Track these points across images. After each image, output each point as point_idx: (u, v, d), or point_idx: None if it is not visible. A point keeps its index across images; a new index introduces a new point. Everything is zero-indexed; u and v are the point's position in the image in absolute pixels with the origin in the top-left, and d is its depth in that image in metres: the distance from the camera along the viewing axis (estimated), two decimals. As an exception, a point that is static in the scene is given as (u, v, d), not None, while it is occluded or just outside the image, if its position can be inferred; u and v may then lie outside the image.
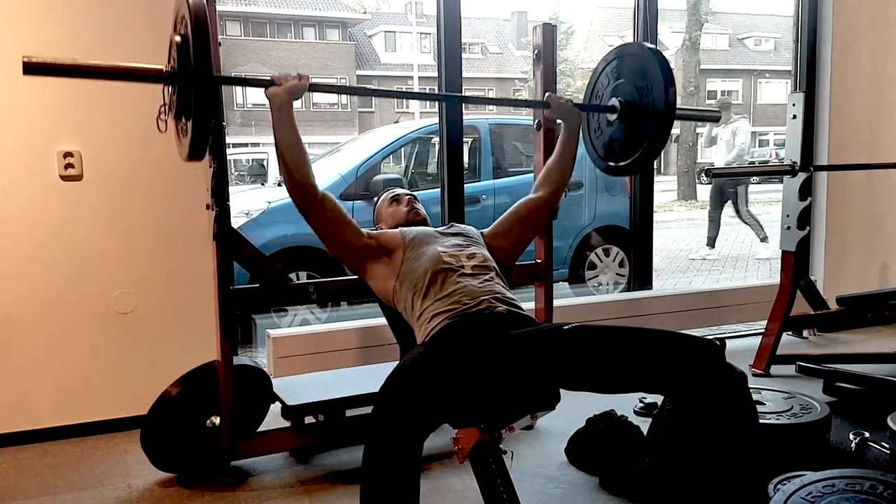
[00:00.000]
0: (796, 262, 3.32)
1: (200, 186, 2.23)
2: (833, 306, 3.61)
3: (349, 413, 2.51)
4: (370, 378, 2.44)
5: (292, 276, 4.19)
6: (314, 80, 2.00)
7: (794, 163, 3.18)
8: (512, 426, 1.76)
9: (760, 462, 2.09)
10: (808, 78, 4.01)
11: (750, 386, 1.66)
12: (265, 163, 9.47)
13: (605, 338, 1.72)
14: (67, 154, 2.59)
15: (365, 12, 24.53)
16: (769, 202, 13.81)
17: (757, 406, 1.72)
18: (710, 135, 7.60)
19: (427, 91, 6.59)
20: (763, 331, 3.39)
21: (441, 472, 2.35)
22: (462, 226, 2.29)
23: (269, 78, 1.96)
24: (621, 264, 5.37)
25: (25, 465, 2.49)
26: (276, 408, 2.51)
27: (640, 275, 4.06)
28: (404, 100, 22.72)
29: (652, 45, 2.34)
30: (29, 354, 2.64)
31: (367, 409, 1.76)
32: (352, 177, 4.82)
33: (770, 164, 8.96)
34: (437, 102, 3.39)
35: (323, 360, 2.96)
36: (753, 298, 3.90)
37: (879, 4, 4.01)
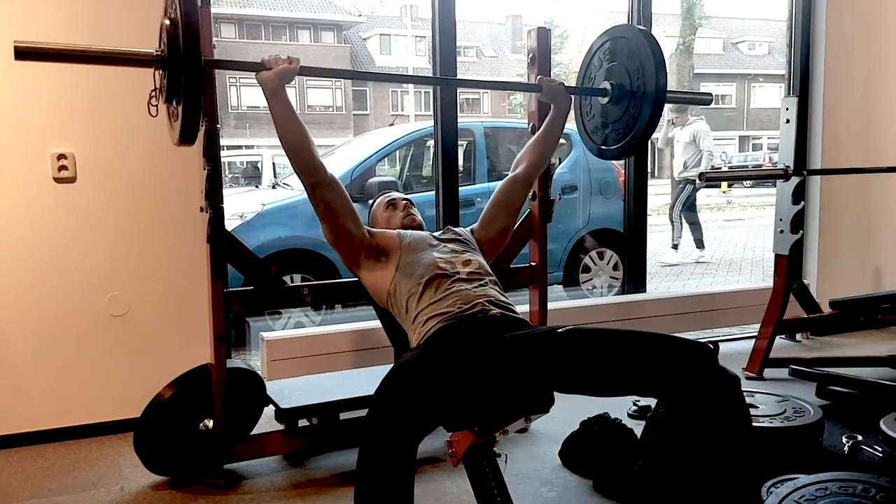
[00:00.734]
0: (789, 266, 3.34)
1: (194, 189, 2.23)
2: (826, 310, 3.62)
3: (343, 416, 2.51)
4: (364, 381, 2.44)
5: (286, 278, 4.17)
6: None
7: (788, 167, 3.20)
8: (506, 429, 1.76)
9: (753, 465, 2.10)
10: (801, 82, 4.03)
11: (743, 389, 1.66)
12: (259, 165, 9.46)
13: (598, 341, 1.73)
14: (61, 156, 2.58)
15: (360, 15, 24.51)
16: (762, 206, 13.88)
17: (750, 409, 1.73)
18: (667, 136, 7.49)
19: (421, 93, 6.59)
20: (756, 334, 3.40)
21: (435, 474, 2.35)
22: (457, 230, 2.28)
23: (259, 62, 1.96)
24: (615, 267, 5.37)
25: (18, 468, 2.48)
26: (269, 411, 2.51)
27: (634, 278, 4.07)
28: (398, 91, 22.80)
29: (643, 28, 2.34)
30: (21, 357, 2.63)
31: (362, 412, 1.76)
32: (346, 179, 4.80)
33: (763, 168, 9.00)
34: (432, 102, 3.40)
35: (317, 363, 2.96)
36: (747, 302, 3.91)
37: (872, 10, 4.03)
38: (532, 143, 2.39)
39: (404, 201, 2.37)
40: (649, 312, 3.73)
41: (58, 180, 2.60)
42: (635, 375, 1.68)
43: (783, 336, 3.86)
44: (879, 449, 2.38)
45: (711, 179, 3.36)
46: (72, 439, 2.69)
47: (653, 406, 2.22)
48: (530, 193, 2.51)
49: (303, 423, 2.48)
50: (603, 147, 2.48)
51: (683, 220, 7.31)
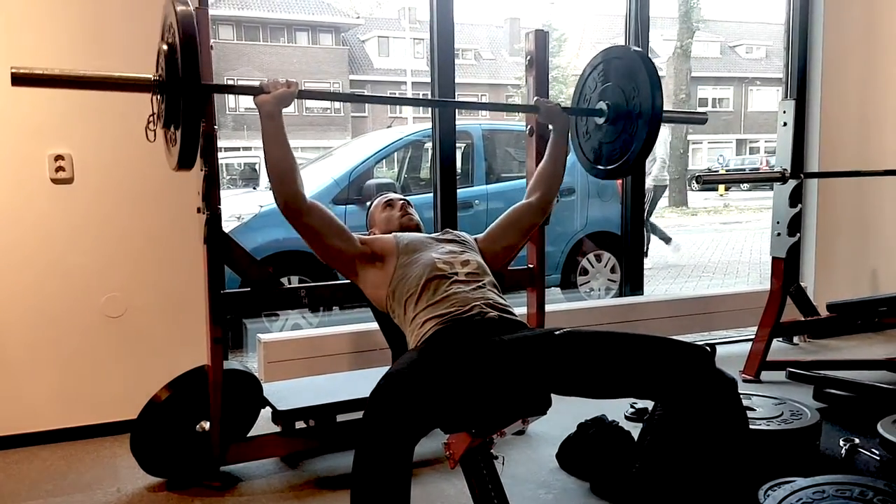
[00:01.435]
0: (787, 269, 3.34)
1: (192, 190, 2.22)
2: (823, 313, 3.62)
3: (340, 418, 2.51)
4: (361, 383, 2.43)
5: (284, 280, 4.17)
6: (304, 87, 1.99)
7: (785, 170, 3.20)
8: (503, 431, 1.76)
9: (750, 468, 2.10)
10: (798, 85, 4.04)
11: (740, 392, 1.67)
12: (257, 167, 9.44)
13: (596, 343, 1.73)
14: (59, 157, 2.58)
15: (358, 17, 24.51)
16: (759, 209, 13.91)
17: (747, 412, 1.73)
18: None
19: (420, 97, 6.58)
20: (753, 337, 3.41)
21: (432, 477, 2.35)
22: (456, 232, 2.29)
23: (257, 85, 1.95)
24: (613, 270, 5.38)
25: (14, 469, 2.48)
26: (266, 413, 2.51)
27: (632, 280, 4.07)
28: (397, 94, 22.76)
29: (638, 49, 2.35)
30: (18, 358, 2.62)
31: (359, 414, 1.76)
32: (344, 181, 4.81)
33: (761, 171, 9.03)
34: (430, 107, 3.41)
35: (314, 365, 2.95)
36: (744, 304, 3.91)
37: (869, 14, 4.05)
38: (542, 172, 2.37)
39: (402, 201, 2.37)
40: (647, 315, 3.73)
41: (55, 181, 2.59)
42: (632, 377, 1.68)
43: (780, 339, 3.87)
44: (876, 452, 2.39)
45: (708, 182, 3.37)
46: (68, 441, 2.68)
47: (650, 408, 2.22)
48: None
49: (300, 425, 2.47)
50: (599, 167, 2.49)
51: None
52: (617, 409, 2.71)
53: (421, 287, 1.94)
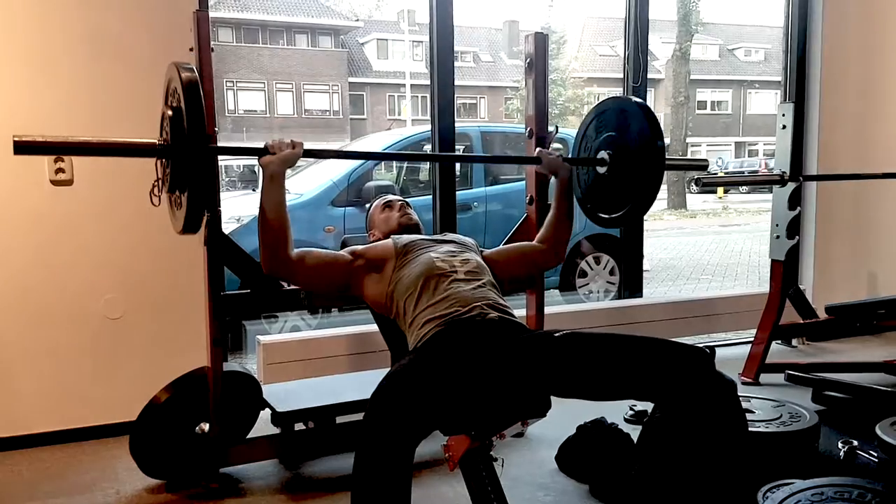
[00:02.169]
0: (785, 272, 3.35)
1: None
2: (822, 315, 3.63)
3: (339, 420, 2.51)
4: (361, 385, 2.44)
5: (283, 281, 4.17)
6: (308, 147, 1.98)
7: (784, 173, 3.21)
8: (503, 433, 1.76)
9: (750, 470, 2.11)
10: (797, 88, 4.05)
11: (739, 394, 1.67)
12: (256, 169, 9.43)
13: (595, 345, 1.73)
14: (58, 158, 2.58)
15: (357, 20, 24.55)
16: (758, 212, 13.92)
17: (746, 414, 1.73)
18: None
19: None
20: (752, 339, 3.41)
21: (432, 479, 2.35)
22: (456, 235, 2.29)
23: (262, 146, 1.94)
24: (612, 272, 5.38)
25: (13, 471, 2.47)
26: (265, 414, 2.50)
27: (631, 283, 4.08)
28: (395, 96, 22.86)
29: (639, 100, 2.36)
30: (17, 359, 2.62)
31: (358, 416, 1.76)
32: (343, 183, 4.82)
33: (760, 174, 9.05)
34: (429, 107, 3.41)
35: (313, 367, 2.95)
36: (743, 307, 3.91)
37: (868, 16, 4.05)
38: (549, 222, 2.35)
39: (400, 202, 2.38)
40: (646, 317, 3.73)
41: (55, 183, 2.59)
42: (632, 379, 1.68)
43: (779, 341, 3.87)
44: (875, 454, 2.39)
45: (708, 185, 3.37)
46: (68, 442, 2.68)
47: (649, 410, 2.22)
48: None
49: (299, 426, 2.47)
50: (601, 215, 2.47)
51: None
52: (616, 412, 2.71)
53: (420, 285, 1.94)
